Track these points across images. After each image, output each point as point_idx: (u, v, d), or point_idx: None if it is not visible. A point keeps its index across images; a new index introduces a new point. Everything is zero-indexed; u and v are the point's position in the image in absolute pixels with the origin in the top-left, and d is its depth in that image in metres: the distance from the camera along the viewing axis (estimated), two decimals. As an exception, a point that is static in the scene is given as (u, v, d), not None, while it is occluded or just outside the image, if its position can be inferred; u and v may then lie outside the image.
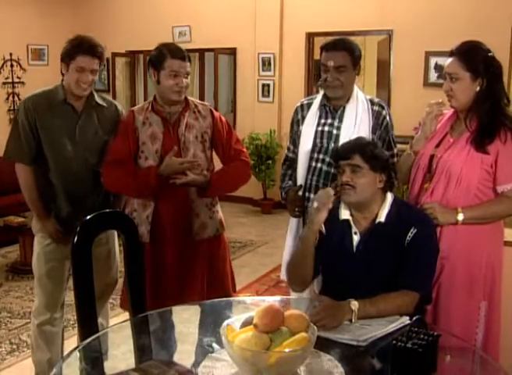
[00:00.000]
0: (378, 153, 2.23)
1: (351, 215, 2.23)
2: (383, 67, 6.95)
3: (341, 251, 2.22)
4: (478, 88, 2.30)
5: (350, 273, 2.19)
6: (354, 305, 1.97)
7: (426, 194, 2.38)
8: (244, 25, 7.30)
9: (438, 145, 2.41)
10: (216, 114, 2.80)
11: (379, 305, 2.02)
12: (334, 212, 2.26)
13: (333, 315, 1.94)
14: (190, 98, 2.79)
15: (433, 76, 6.27)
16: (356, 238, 2.21)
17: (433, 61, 6.25)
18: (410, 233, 2.14)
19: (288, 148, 2.95)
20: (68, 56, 2.69)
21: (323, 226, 2.26)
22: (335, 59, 2.61)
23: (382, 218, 2.18)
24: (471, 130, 2.32)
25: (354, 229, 2.21)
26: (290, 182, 2.86)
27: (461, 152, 2.32)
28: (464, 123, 2.35)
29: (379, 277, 2.16)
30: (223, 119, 2.82)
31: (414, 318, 1.84)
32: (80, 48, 2.67)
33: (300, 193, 2.76)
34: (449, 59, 2.33)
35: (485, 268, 2.34)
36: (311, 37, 7.06)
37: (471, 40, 2.36)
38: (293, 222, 2.86)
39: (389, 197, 2.23)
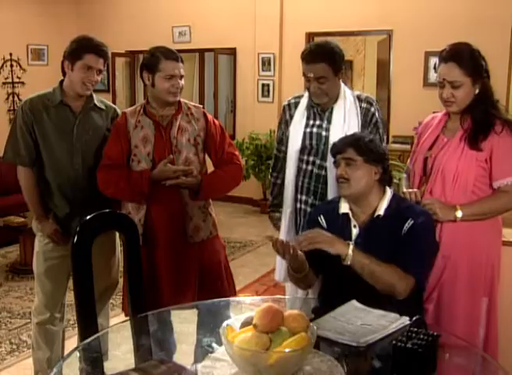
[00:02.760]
0: (373, 146, 2.24)
1: (350, 209, 2.25)
2: (383, 67, 6.96)
3: None
4: (477, 91, 2.32)
5: (349, 266, 2.19)
6: (350, 247, 2.06)
7: (425, 196, 2.38)
8: (244, 25, 7.30)
9: (430, 148, 2.43)
10: (209, 117, 2.80)
11: (373, 260, 2.06)
12: (334, 207, 2.28)
13: (329, 237, 2.05)
14: (183, 100, 2.79)
15: (433, 76, 6.26)
16: (355, 231, 2.22)
17: (433, 61, 6.23)
18: (406, 224, 2.15)
19: (277, 149, 2.93)
20: (75, 55, 2.69)
21: (323, 220, 2.28)
22: (314, 72, 2.59)
23: (381, 211, 2.20)
24: (465, 128, 2.33)
25: (353, 222, 2.22)
26: (276, 201, 2.92)
27: (456, 151, 2.33)
28: (460, 122, 2.36)
29: None
30: (216, 122, 2.82)
31: (414, 318, 1.84)
32: (89, 47, 2.68)
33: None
34: (445, 66, 2.32)
35: (486, 265, 2.36)
36: (310, 37, 7.05)
37: (459, 42, 2.37)
38: (284, 225, 2.87)
39: (389, 191, 2.25)
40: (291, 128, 2.76)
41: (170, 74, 2.62)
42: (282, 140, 2.85)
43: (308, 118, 2.73)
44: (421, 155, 2.45)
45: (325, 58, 2.58)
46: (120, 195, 2.73)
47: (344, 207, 2.26)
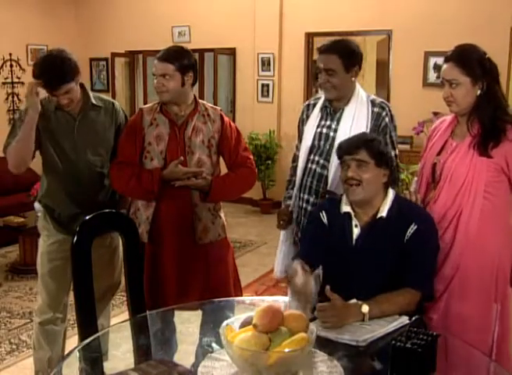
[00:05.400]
0: (383, 149, 2.25)
1: (352, 209, 2.24)
2: (382, 67, 6.96)
3: (341, 244, 2.23)
4: (478, 92, 2.27)
5: (348, 266, 2.20)
6: (365, 308, 1.98)
7: (431, 202, 2.36)
8: (244, 25, 7.30)
9: (439, 153, 2.39)
10: (226, 119, 2.79)
11: (383, 306, 2.03)
12: (336, 205, 2.27)
13: (340, 316, 1.95)
14: (200, 101, 2.79)
15: (432, 76, 6.27)
16: (356, 231, 2.21)
17: (432, 61, 6.25)
18: (410, 230, 2.15)
19: (296, 147, 2.93)
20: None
21: (325, 216, 2.28)
22: (324, 62, 2.60)
23: (383, 213, 2.19)
24: (473, 134, 2.29)
25: (355, 221, 2.22)
26: (292, 191, 2.84)
27: (465, 158, 2.28)
28: (467, 127, 2.31)
29: (378, 272, 2.16)
30: (233, 125, 2.82)
31: (414, 318, 1.85)
32: (43, 82, 2.58)
33: (290, 208, 2.78)
34: (446, 65, 2.30)
35: (497, 269, 2.30)
36: (310, 37, 7.06)
37: (465, 43, 2.34)
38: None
39: (391, 193, 2.24)
40: (305, 128, 2.79)
41: (153, 73, 2.67)
42: (301, 139, 2.85)
43: (321, 118, 2.75)
44: (429, 160, 2.41)
45: (337, 51, 2.59)
46: (131, 193, 2.75)
47: (346, 206, 2.25)
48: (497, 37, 5.65)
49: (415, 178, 2.64)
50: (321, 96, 2.80)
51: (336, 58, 2.59)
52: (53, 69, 2.57)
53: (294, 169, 2.90)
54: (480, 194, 2.27)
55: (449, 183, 2.31)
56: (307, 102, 2.90)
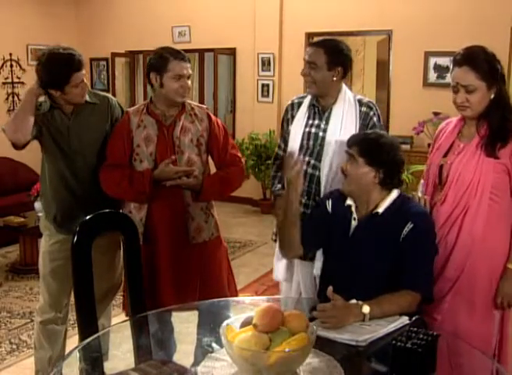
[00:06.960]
0: (378, 149, 2.20)
1: (354, 202, 2.27)
2: (383, 67, 6.96)
3: (340, 235, 2.26)
4: (492, 96, 2.24)
5: (344, 257, 2.23)
6: (366, 309, 1.97)
7: (438, 204, 2.34)
8: (244, 25, 7.30)
9: (446, 154, 2.37)
10: (213, 118, 2.80)
11: (384, 307, 2.02)
12: (342, 197, 2.30)
13: (340, 316, 1.95)
14: (186, 100, 2.79)
15: (432, 76, 6.26)
16: (354, 224, 2.24)
17: (432, 61, 6.25)
18: (406, 228, 2.14)
19: (279, 146, 2.91)
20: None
21: (330, 204, 2.32)
22: (309, 54, 2.62)
23: (380, 209, 2.20)
24: (481, 135, 2.27)
25: (354, 215, 2.24)
26: (279, 185, 2.82)
27: (472, 158, 2.27)
28: (476, 129, 2.29)
29: (374, 265, 2.16)
30: (220, 123, 2.83)
31: (414, 318, 1.85)
32: (66, 72, 2.60)
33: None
34: (458, 69, 2.25)
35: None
36: (310, 37, 7.05)
37: (473, 45, 2.29)
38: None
39: (395, 193, 2.23)
40: (292, 128, 2.76)
41: (179, 74, 2.62)
42: (285, 138, 2.84)
43: (309, 117, 2.73)
44: (435, 162, 2.40)
45: (324, 46, 2.60)
46: (123, 195, 2.74)
47: (349, 199, 2.27)
48: (497, 37, 5.65)
49: (422, 181, 2.62)
50: (307, 95, 2.78)
51: (322, 54, 2.59)
52: (73, 54, 2.61)
53: (278, 166, 2.88)
54: (486, 195, 2.26)
55: (455, 184, 2.30)
56: (290, 101, 2.86)
